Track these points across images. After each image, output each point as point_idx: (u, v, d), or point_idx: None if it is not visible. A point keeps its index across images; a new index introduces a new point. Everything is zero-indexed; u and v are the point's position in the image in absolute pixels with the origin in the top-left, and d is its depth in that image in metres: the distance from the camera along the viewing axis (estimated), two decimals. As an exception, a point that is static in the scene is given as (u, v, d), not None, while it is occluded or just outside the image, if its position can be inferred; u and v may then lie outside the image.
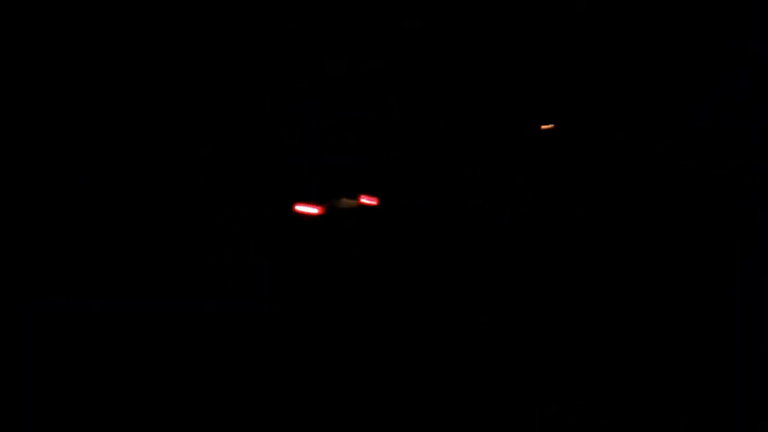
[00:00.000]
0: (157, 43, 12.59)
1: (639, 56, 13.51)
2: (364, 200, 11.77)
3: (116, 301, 7.87)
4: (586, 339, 6.63)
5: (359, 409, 5.02)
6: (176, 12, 12.54)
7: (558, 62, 13.14)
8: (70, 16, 12.15)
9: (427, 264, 10.30)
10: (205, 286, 8.75)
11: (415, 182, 14.22)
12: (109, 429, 4.82)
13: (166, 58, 12.76)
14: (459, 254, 11.48)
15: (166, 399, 5.24)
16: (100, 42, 12.35)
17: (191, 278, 9.25)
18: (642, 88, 13.73)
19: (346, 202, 11.29)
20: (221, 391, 5.33)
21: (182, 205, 13.33)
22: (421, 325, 7.05)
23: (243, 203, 13.93)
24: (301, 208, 11.59)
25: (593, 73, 13.36)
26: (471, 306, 7.89)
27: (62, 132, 13.66)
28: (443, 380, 5.59)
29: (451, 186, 14.05)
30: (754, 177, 13.38)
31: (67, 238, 11.11)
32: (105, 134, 14.06)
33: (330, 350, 6.27)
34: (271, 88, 13.78)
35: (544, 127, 11.78)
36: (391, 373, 5.71)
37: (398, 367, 5.89)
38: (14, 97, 12.72)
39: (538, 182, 13.98)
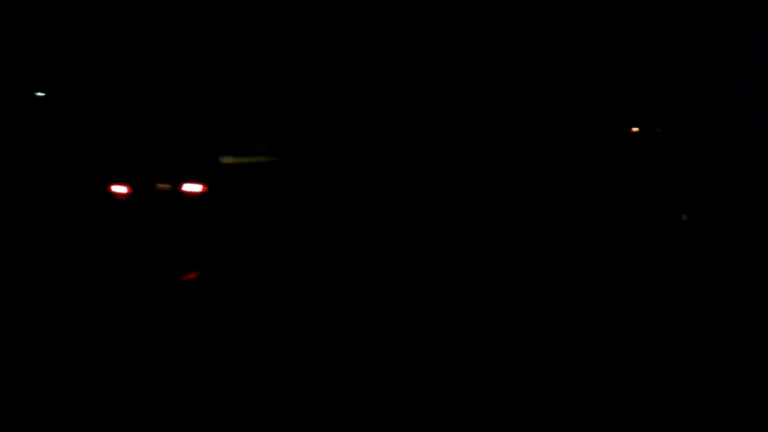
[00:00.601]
0: (156, 44, 12.55)
1: (639, 57, 13.50)
2: (187, 187, 11.98)
3: (116, 300, 7.87)
4: (585, 339, 6.62)
5: (359, 410, 5.02)
6: (176, 12, 12.51)
7: (558, 63, 13.12)
8: (69, 16, 12.12)
9: (427, 264, 10.30)
10: (205, 286, 8.75)
11: (415, 182, 14.22)
12: (109, 429, 4.82)
13: (166, 58, 12.72)
14: (459, 254, 11.48)
15: (166, 399, 5.24)
16: (103, 43, 12.32)
17: (192, 277, 9.25)
18: (642, 89, 13.72)
19: (160, 186, 11.55)
20: (221, 391, 5.33)
21: (183, 206, 13.31)
22: (421, 325, 7.04)
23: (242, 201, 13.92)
24: (115, 187, 11.87)
25: (593, 73, 13.34)
26: (471, 306, 7.89)
27: (60, 135, 13.63)
28: (443, 380, 5.59)
29: (451, 186, 14.04)
30: (754, 177, 13.38)
31: (67, 239, 11.11)
32: (103, 136, 14.05)
33: (330, 351, 6.27)
34: (271, 88, 13.76)
35: (633, 129, 11.85)
36: (391, 373, 5.72)
37: (398, 367, 5.89)
38: (11, 100, 12.69)
39: (538, 182, 13.97)
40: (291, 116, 14.47)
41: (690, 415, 4.93)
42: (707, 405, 5.10)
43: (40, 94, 13.82)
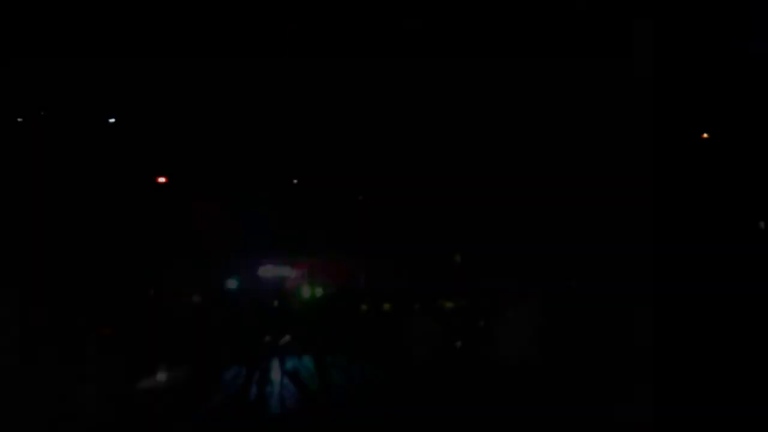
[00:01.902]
0: (154, 44, 12.53)
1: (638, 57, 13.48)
2: None
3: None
4: (586, 339, 6.63)
5: (359, 409, 5.02)
6: (176, 12, 12.49)
7: (558, 63, 13.12)
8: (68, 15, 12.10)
9: (429, 265, 10.31)
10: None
11: (415, 182, 14.20)
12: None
13: (165, 58, 12.70)
14: (460, 255, 11.47)
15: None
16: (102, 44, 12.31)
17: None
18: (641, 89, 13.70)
19: None
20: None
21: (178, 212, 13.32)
22: (421, 325, 7.05)
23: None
24: None
25: (593, 73, 13.34)
26: (471, 306, 7.90)
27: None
28: (443, 380, 5.60)
29: (452, 186, 14.02)
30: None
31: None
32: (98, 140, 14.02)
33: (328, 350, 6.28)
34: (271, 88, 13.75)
35: (704, 135, 11.93)
36: (391, 372, 5.72)
37: (398, 367, 5.89)
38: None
39: (539, 182, 13.95)
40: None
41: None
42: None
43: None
